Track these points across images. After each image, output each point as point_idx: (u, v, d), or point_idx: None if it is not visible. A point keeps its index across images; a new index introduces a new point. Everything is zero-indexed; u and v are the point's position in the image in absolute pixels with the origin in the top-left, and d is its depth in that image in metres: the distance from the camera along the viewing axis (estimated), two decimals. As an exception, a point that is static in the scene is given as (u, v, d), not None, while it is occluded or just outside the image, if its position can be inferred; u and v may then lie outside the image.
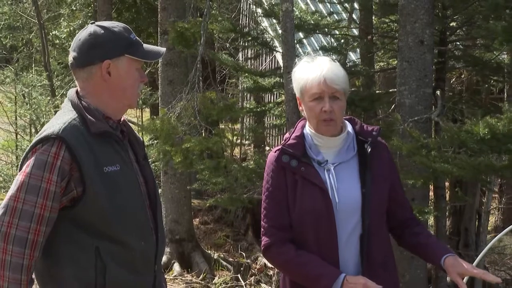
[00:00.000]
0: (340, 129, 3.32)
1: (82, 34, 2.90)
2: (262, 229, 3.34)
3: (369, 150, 3.32)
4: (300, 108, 3.36)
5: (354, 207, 3.26)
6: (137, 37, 2.96)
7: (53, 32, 14.53)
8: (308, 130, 3.35)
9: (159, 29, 9.03)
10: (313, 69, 3.24)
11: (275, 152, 3.33)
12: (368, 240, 3.27)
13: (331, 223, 3.21)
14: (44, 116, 10.21)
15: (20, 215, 2.67)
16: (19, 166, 2.81)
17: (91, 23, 2.94)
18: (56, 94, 10.56)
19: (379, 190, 3.30)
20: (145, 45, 2.96)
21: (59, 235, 2.77)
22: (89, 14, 14.54)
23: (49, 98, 10.32)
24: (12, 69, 10.70)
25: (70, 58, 2.92)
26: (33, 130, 10.34)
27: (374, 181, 3.29)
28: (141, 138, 3.17)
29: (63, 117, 2.82)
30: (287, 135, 3.40)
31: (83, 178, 2.72)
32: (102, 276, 2.77)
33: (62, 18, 15.02)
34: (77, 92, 2.91)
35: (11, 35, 15.76)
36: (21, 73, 10.75)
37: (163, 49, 3.06)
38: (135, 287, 2.89)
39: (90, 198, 2.74)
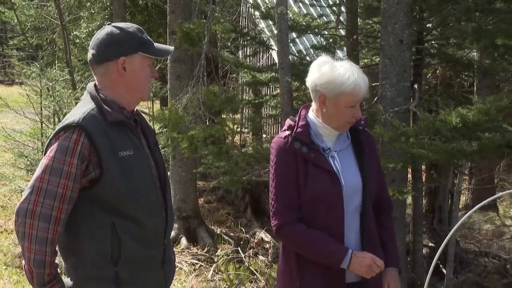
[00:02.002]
0: None
1: (100, 34, 2.91)
2: (272, 210, 3.30)
3: (362, 138, 3.35)
4: (320, 103, 3.27)
5: (357, 189, 3.27)
6: (148, 37, 2.98)
7: (74, 33, 14.50)
8: (314, 119, 3.32)
9: (168, 29, 9.00)
10: (356, 80, 3.19)
11: (284, 138, 3.28)
12: (366, 218, 3.30)
13: (340, 204, 3.23)
14: (66, 107, 10.18)
15: (45, 194, 2.69)
16: (44, 151, 2.83)
17: (108, 24, 2.96)
18: (77, 87, 10.54)
19: (373, 175, 3.34)
20: (156, 44, 2.97)
21: (79, 212, 2.79)
22: (106, 17, 14.49)
23: (70, 91, 10.29)
24: (38, 65, 10.63)
25: (89, 55, 2.93)
26: (56, 120, 10.30)
27: (369, 167, 3.32)
28: (152, 127, 3.18)
29: (83, 107, 2.84)
30: (290, 122, 3.35)
31: (100, 162, 2.74)
32: (118, 249, 2.79)
33: (82, 20, 14.99)
34: (95, 85, 2.93)
35: (36, 35, 15.73)
36: (45, 69, 10.68)
37: (172, 48, 3.07)
38: (147, 258, 2.90)
39: (106, 180, 2.75)
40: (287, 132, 3.29)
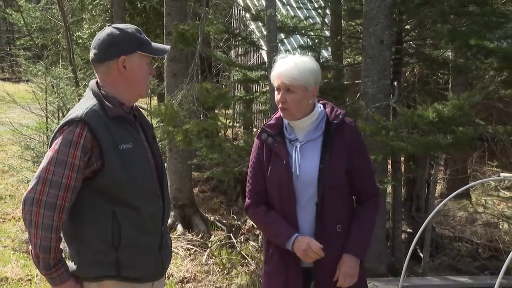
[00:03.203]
0: (302, 114, 3.31)
1: (101, 34, 2.91)
2: (246, 192, 3.46)
3: (333, 131, 3.31)
4: None
5: (311, 180, 3.26)
6: (146, 37, 2.97)
7: (77, 33, 14.44)
8: None
9: (164, 30, 8.97)
10: (278, 66, 3.32)
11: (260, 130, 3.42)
12: (322, 208, 3.26)
13: (290, 191, 3.26)
14: (70, 103, 10.14)
15: (50, 184, 2.70)
16: (49, 144, 2.84)
17: (108, 25, 2.97)
18: (79, 84, 10.49)
19: (335, 166, 3.27)
20: (153, 44, 2.97)
21: (82, 201, 2.80)
22: (107, 18, 14.44)
23: (73, 88, 10.23)
24: (43, 64, 10.57)
25: (91, 55, 2.93)
26: (60, 115, 10.24)
27: (332, 158, 3.26)
28: (150, 121, 3.19)
29: (85, 103, 2.84)
30: (273, 116, 3.47)
31: (102, 154, 2.75)
32: (118, 235, 2.80)
33: (84, 22, 14.93)
34: (97, 83, 2.94)
35: (42, 35, 15.66)
36: (50, 67, 10.63)
37: (168, 47, 3.08)
38: (145, 244, 2.90)
39: (107, 171, 2.76)
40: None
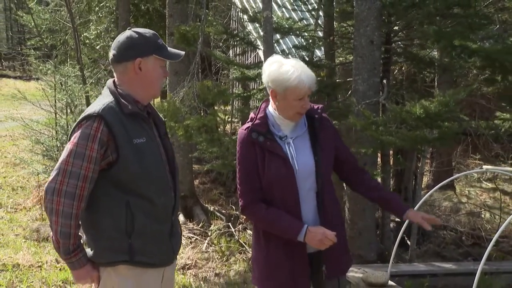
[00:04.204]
0: None
1: (121, 37, 2.95)
2: (238, 193, 3.35)
3: (317, 125, 3.33)
4: (274, 98, 3.28)
5: (310, 171, 3.26)
6: (163, 42, 2.99)
7: (84, 34, 14.39)
8: (272, 111, 3.34)
9: (167, 31, 8.95)
10: (300, 76, 3.18)
11: (245, 130, 3.31)
12: (322, 196, 3.29)
13: (293, 185, 3.23)
14: (77, 99, 10.12)
15: (70, 175, 2.74)
16: (68, 138, 2.87)
17: (129, 29, 2.99)
18: (86, 82, 10.45)
19: (326, 157, 3.32)
20: (169, 49, 3.00)
21: (98, 192, 2.83)
22: (112, 20, 14.40)
23: (81, 85, 10.19)
24: (52, 63, 10.52)
25: (110, 55, 2.97)
26: (68, 111, 10.21)
27: (322, 150, 3.30)
28: (162, 118, 3.20)
29: (102, 100, 2.88)
30: (252, 115, 3.38)
31: (117, 147, 2.78)
32: (131, 224, 2.83)
33: (91, 23, 14.89)
34: (114, 82, 2.97)
35: (51, 36, 15.61)
36: (59, 66, 10.57)
37: (183, 52, 3.11)
38: (156, 232, 2.93)
39: (122, 163, 2.79)
40: (248, 124, 3.32)
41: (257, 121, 3.30)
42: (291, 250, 3.28)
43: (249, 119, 3.37)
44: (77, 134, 2.79)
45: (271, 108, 3.33)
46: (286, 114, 3.27)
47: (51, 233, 2.82)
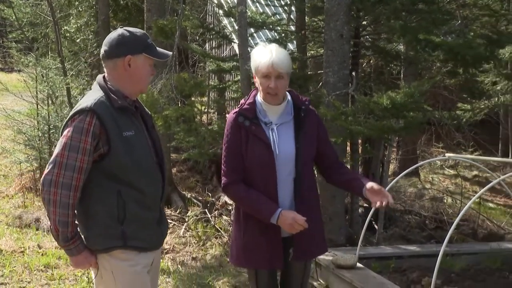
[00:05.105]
0: (281, 100, 3.36)
1: (113, 34, 2.97)
2: (222, 172, 3.39)
3: (303, 115, 3.37)
4: (255, 80, 3.37)
5: (290, 157, 3.30)
6: (152, 42, 3.03)
7: (65, 27, 14.17)
8: (259, 98, 3.39)
9: (145, 25, 8.86)
10: (265, 54, 3.27)
11: (234, 114, 3.37)
12: (299, 183, 3.32)
13: (272, 168, 3.27)
14: (58, 91, 9.98)
15: (65, 167, 2.78)
16: (60, 132, 2.91)
17: (120, 27, 3.02)
18: (67, 74, 10.30)
19: (308, 146, 3.36)
20: (158, 48, 3.04)
21: (91, 182, 2.86)
22: (92, 14, 14.20)
23: (62, 77, 10.04)
24: (33, 55, 10.36)
25: (102, 51, 2.99)
26: (50, 102, 10.07)
27: (305, 139, 3.34)
28: (149, 112, 3.23)
29: (93, 95, 2.91)
30: (242, 101, 3.44)
31: (108, 140, 2.82)
32: (123, 211, 2.87)
33: (71, 17, 14.66)
34: (103, 77, 2.99)
35: (32, 29, 15.34)
36: (40, 58, 10.39)
37: (170, 53, 3.17)
38: (146, 219, 2.98)
39: (113, 155, 2.83)
40: (237, 109, 3.40)
41: (245, 106, 3.36)
42: (267, 232, 3.32)
43: (239, 104, 3.43)
44: (70, 128, 2.82)
45: (259, 95, 3.38)
46: (262, 96, 3.34)
47: (49, 222, 2.85)
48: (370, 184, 3.30)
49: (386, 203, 3.24)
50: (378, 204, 3.25)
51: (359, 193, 3.44)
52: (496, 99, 11.46)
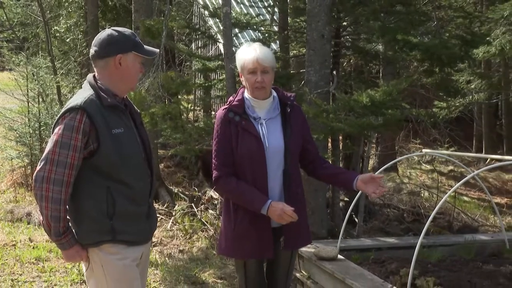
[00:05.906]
0: (269, 94, 3.40)
1: (102, 34, 2.95)
2: (213, 166, 3.39)
3: (289, 111, 3.42)
4: (241, 79, 3.40)
5: (279, 150, 3.33)
6: (140, 40, 3.02)
7: (54, 27, 14.08)
8: (246, 95, 3.41)
9: (133, 25, 8.82)
10: (250, 52, 3.32)
11: (223, 110, 3.39)
12: (289, 175, 3.35)
13: (262, 161, 3.30)
14: (48, 89, 9.92)
15: (57, 164, 2.76)
16: (52, 129, 2.90)
17: (108, 27, 3.01)
18: (57, 73, 10.24)
19: (295, 140, 3.39)
20: (145, 46, 3.03)
21: (82, 178, 2.85)
22: (81, 14, 14.12)
23: (52, 76, 9.99)
24: (24, 54, 10.28)
25: (92, 51, 2.96)
26: (40, 100, 10.00)
27: (292, 133, 3.38)
28: (138, 110, 3.22)
29: (83, 93, 2.89)
30: (231, 98, 3.46)
31: (98, 137, 2.80)
32: (112, 206, 2.85)
33: (61, 17, 14.56)
34: (94, 76, 2.97)
35: (23, 29, 15.21)
36: (31, 57, 10.32)
37: (157, 50, 3.15)
38: (135, 214, 2.96)
39: (102, 151, 2.81)
40: (226, 105, 3.42)
41: (235, 103, 3.38)
42: (257, 223, 3.33)
43: (228, 101, 3.46)
44: (61, 126, 2.80)
45: (247, 92, 3.41)
46: (250, 92, 3.37)
47: (41, 217, 2.84)
48: (361, 176, 3.38)
49: (381, 192, 3.35)
50: (374, 195, 3.37)
51: (346, 185, 3.50)
52: (471, 97, 11.56)
